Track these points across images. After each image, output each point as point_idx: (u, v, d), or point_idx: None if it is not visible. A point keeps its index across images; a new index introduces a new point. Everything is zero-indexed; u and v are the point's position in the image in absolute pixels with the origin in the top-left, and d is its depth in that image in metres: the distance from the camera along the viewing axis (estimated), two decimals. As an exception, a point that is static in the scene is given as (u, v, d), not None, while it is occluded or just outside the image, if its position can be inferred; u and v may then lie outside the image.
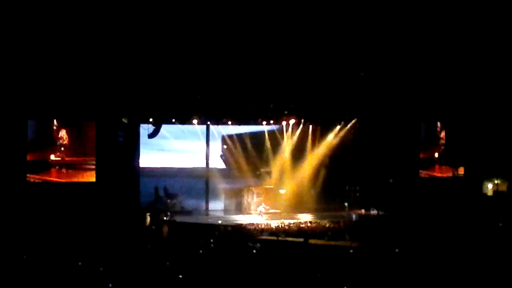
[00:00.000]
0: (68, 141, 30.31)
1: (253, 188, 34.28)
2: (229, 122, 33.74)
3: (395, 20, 28.78)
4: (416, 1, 28.02)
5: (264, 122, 34.22)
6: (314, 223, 30.39)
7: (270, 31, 28.51)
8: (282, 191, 34.50)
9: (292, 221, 30.78)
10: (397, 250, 21.16)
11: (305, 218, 31.94)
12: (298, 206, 34.43)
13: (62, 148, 30.29)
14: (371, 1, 28.02)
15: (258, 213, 32.45)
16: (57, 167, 30.32)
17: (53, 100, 29.45)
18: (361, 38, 29.67)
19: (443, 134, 35.01)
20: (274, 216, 32.52)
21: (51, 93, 29.23)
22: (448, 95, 32.44)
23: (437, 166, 35.08)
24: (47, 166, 30.18)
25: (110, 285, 15.81)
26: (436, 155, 35.10)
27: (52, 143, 30.28)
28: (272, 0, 27.73)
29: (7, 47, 27.73)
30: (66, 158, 30.37)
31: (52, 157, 30.20)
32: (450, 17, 28.50)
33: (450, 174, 34.89)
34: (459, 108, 33.29)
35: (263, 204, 33.12)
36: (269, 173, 35.36)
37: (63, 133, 30.25)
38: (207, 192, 34.60)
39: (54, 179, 30.14)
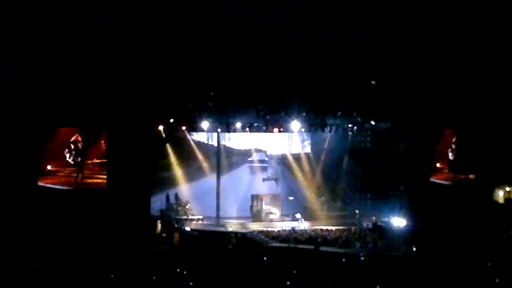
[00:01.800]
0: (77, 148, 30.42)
1: (262, 196, 34.36)
2: (240, 129, 33.82)
3: (411, 29, 28.82)
4: (433, 11, 28.09)
5: (276, 130, 34.31)
6: (325, 230, 30.38)
7: (281, 39, 28.60)
8: (290, 198, 34.58)
9: (302, 228, 30.81)
10: (408, 257, 21.18)
11: (316, 225, 31.94)
12: (309, 213, 34.46)
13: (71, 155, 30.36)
14: (387, 13, 28.11)
15: (298, 220, 32.61)
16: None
17: (65, 108, 29.61)
18: (375, 45, 29.69)
19: (448, 141, 34.94)
20: (284, 223, 32.56)
21: (62, 101, 29.39)
22: (459, 102, 32.37)
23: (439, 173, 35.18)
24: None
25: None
26: (438, 164, 35.08)
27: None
28: (283, 7, 27.87)
29: (17, 55, 27.98)
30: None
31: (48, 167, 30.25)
32: (465, 26, 28.54)
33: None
34: (470, 115, 33.16)
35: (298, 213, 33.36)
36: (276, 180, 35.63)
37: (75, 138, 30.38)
38: (218, 199, 34.64)
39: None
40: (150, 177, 32.35)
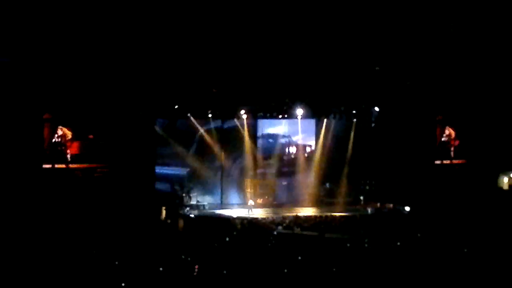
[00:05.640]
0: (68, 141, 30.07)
1: (256, 181, 34.38)
2: (244, 116, 33.79)
3: (420, 20, 28.72)
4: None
5: (280, 116, 34.28)
6: (329, 216, 30.37)
7: (284, 24, 28.51)
8: (284, 183, 34.63)
9: (307, 215, 30.81)
10: (412, 243, 21.18)
11: (318, 212, 31.98)
12: (311, 199, 34.52)
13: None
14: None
15: (248, 207, 32.56)
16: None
17: (70, 96, 29.60)
18: (382, 32, 29.59)
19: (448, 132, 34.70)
20: (279, 210, 32.52)
21: (68, 89, 29.40)
22: (462, 90, 32.25)
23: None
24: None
25: (123, 284, 15.94)
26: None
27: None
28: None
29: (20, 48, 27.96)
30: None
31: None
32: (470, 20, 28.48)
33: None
34: (475, 101, 33.03)
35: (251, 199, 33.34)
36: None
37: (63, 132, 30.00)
38: (222, 186, 34.62)
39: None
40: (154, 163, 32.46)
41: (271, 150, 35.23)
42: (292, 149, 35.51)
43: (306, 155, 35.35)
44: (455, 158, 34.60)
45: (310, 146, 35.51)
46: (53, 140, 29.86)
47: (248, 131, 34.36)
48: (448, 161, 34.56)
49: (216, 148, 34.08)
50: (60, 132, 29.94)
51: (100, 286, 16.25)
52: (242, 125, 34.17)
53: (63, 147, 29.98)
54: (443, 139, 34.40)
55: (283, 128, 35.33)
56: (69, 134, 30.07)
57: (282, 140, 35.34)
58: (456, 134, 34.40)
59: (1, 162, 28.20)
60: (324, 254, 19.91)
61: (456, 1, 28.45)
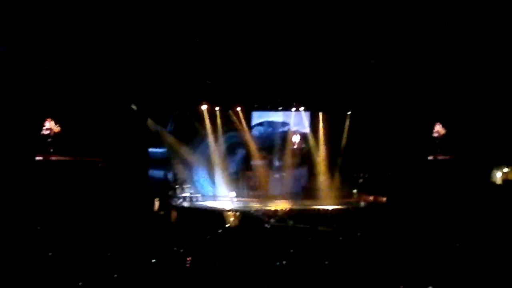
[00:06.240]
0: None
1: (248, 173, 34.46)
2: (238, 108, 33.81)
3: (415, 16, 28.75)
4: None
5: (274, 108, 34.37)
6: (322, 210, 30.43)
7: (279, 19, 28.48)
8: (276, 176, 34.69)
9: (300, 207, 30.86)
10: (405, 236, 21.23)
11: (313, 205, 32.03)
12: (305, 192, 34.56)
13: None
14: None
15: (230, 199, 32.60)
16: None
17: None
18: (376, 27, 29.59)
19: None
20: (271, 202, 32.58)
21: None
22: (454, 85, 32.25)
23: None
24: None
25: (115, 276, 15.92)
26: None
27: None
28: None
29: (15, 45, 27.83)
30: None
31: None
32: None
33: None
34: (468, 95, 33.05)
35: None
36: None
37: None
38: (216, 178, 34.64)
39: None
40: (147, 154, 32.41)
41: (269, 140, 35.33)
42: (296, 138, 35.52)
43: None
44: (447, 152, 34.57)
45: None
46: (41, 133, 29.50)
47: (245, 121, 34.45)
48: (441, 156, 34.50)
49: (210, 138, 34.13)
50: (47, 125, 29.69)
51: (93, 277, 16.22)
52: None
53: (51, 139, 29.72)
54: (434, 134, 34.35)
55: (278, 117, 35.44)
56: (55, 128, 29.78)
57: (281, 129, 35.43)
58: (447, 129, 34.36)
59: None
60: (317, 247, 19.93)
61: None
